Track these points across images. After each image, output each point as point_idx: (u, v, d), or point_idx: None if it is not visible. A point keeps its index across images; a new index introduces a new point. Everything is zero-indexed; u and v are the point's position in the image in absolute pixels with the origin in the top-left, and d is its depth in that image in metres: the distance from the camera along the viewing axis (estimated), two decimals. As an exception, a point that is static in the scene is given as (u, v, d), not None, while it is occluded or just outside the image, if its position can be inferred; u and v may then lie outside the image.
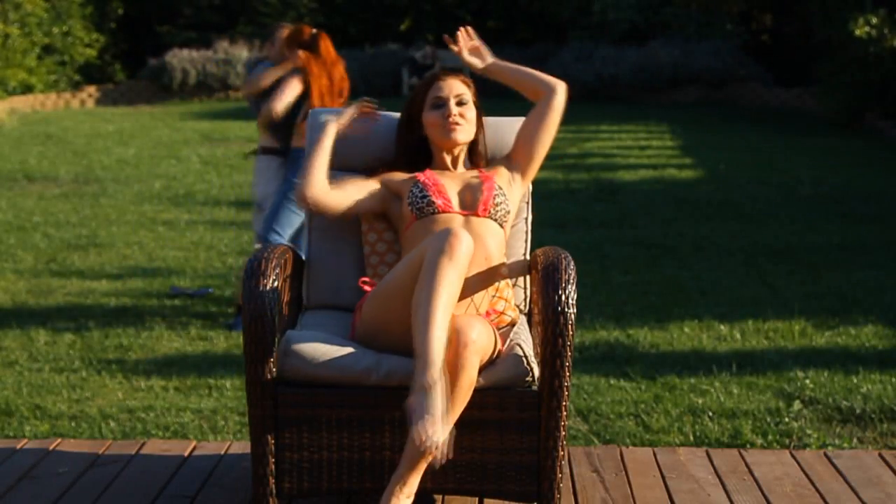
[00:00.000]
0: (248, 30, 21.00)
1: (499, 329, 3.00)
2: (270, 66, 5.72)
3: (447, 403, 2.60)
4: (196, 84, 19.75)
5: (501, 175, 3.20)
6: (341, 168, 3.32)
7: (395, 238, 3.20)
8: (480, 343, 2.74)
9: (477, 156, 3.27)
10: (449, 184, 3.12)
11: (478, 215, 3.06)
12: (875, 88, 14.14)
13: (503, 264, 3.08)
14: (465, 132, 3.15)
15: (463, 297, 2.91)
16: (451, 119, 3.11)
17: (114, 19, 20.85)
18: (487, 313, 3.01)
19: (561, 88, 3.23)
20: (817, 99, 16.31)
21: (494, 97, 5.52)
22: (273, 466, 2.84)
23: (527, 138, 3.22)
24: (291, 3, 21.64)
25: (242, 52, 19.99)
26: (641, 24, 19.65)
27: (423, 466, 2.71)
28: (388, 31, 21.85)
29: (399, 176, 3.17)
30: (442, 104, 3.14)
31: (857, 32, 13.71)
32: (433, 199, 3.03)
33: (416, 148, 3.22)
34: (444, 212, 3.03)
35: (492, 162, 3.29)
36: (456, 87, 3.15)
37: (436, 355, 2.62)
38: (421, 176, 3.12)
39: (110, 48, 20.67)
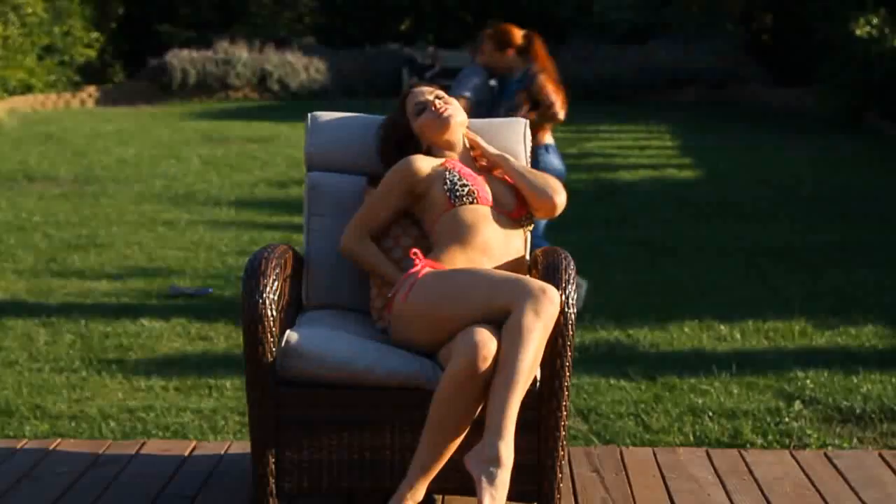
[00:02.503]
0: (246, 29, 21.00)
1: None
2: (480, 71, 5.74)
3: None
4: (196, 84, 19.75)
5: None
6: (343, 170, 3.33)
7: (400, 231, 3.18)
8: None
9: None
10: (476, 177, 3.12)
11: (512, 217, 3.09)
12: (875, 88, 14.13)
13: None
14: (458, 114, 3.16)
15: None
16: (439, 109, 3.13)
17: (114, 19, 20.86)
18: None
19: (557, 206, 3.12)
20: (817, 99, 16.31)
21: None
22: (273, 466, 2.84)
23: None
24: (290, 3, 21.64)
25: (242, 52, 19.99)
26: (641, 24, 19.66)
27: (433, 474, 2.74)
28: (388, 31, 21.86)
29: (423, 170, 3.10)
30: (424, 104, 3.16)
31: (858, 32, 13.71)
32: (472, 188, 3.03)
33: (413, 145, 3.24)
34: (481, 203, 3.04)
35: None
36: (430, 90, 3.22)
37: (512, 429, 2.64)
38: (449, 163, 3.11)
39: (110, 48, 20.67)
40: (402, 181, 3.09)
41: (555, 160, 5.63)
